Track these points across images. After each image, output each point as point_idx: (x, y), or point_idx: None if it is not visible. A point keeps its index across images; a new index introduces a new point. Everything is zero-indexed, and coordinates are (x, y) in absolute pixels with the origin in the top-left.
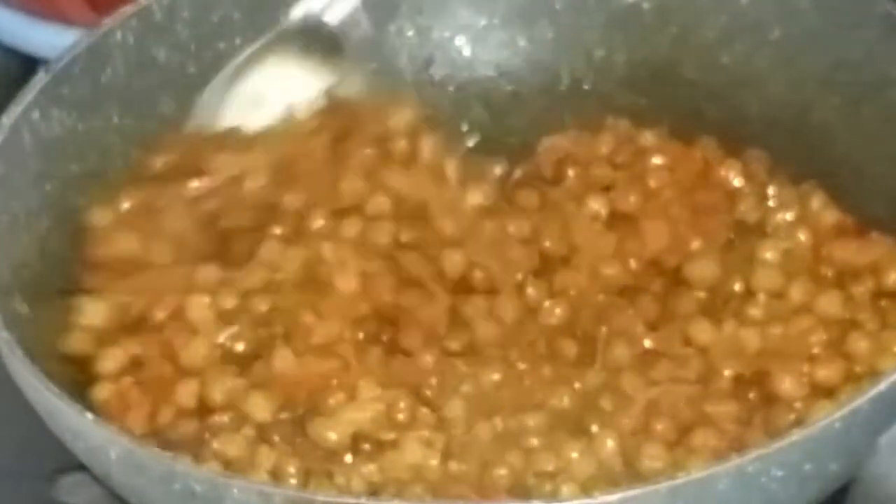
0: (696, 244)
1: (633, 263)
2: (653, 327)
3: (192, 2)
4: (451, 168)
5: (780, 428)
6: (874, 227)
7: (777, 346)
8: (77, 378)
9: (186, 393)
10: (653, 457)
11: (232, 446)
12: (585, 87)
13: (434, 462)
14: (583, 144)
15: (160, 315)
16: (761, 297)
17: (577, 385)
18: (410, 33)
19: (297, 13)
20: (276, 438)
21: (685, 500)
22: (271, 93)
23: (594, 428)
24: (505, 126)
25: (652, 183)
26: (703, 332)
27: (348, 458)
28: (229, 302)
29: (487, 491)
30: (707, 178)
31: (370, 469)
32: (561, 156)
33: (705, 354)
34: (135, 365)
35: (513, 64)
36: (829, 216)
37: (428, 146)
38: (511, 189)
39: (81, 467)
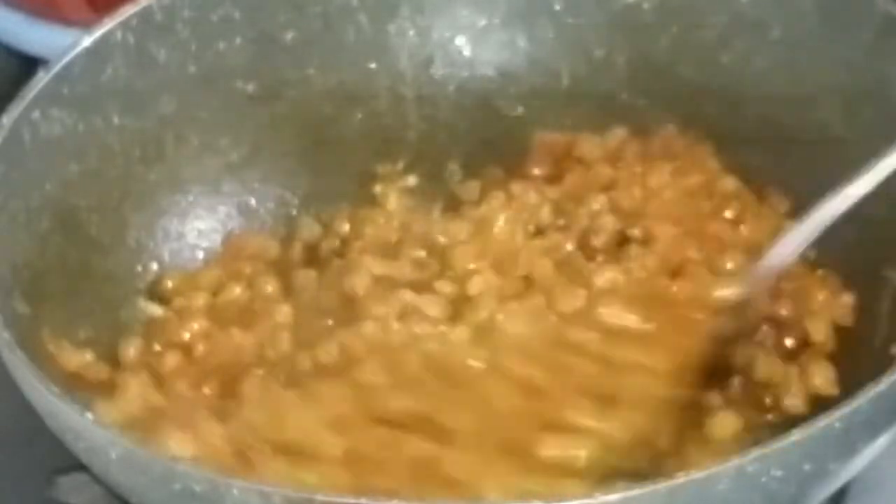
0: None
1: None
2: None
3: (192, 1)
4: None
5: None
6: (874, 227)
7: None
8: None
9: None
10: None
11: None
12: (585, 87)
13: None
14: (583, 143)
15: None
16: None
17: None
18: (411, 33)
19: None
20: None
21: (685, 500)
22: None
23: None
24: (505, 126)
25: (653, 183)
26: None
27: None
28: None
29: None
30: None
31: None
32: (557, 152)
33: None
34: None
35: (513, 64)
36: None
37: None
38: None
39: (81, 467)
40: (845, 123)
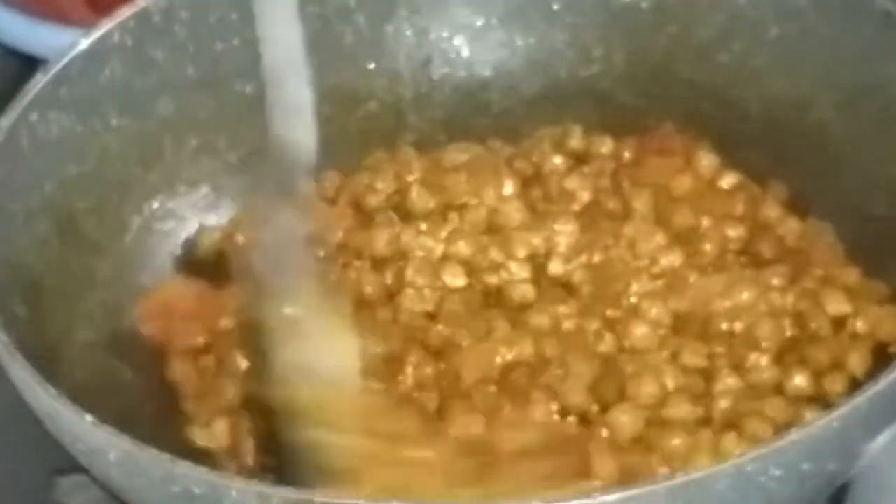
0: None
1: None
2: None
3: (190, 3)
4: None
5: None
6: (874, 227)
7: None
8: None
9: None
10: None
11: None
12: (585, 87)
13: None
14: (585, 143)
15: None
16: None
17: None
18: (409, 33)
19: None
20: None
21: (684, 500)
22: None
23: None
24: (504, 126)
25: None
26: None
27: None
28: None
29: None
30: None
31: None
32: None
33: None
34: None
35: (511, 64)
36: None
37: None
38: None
39: (81, 469)
40: (845, 123)
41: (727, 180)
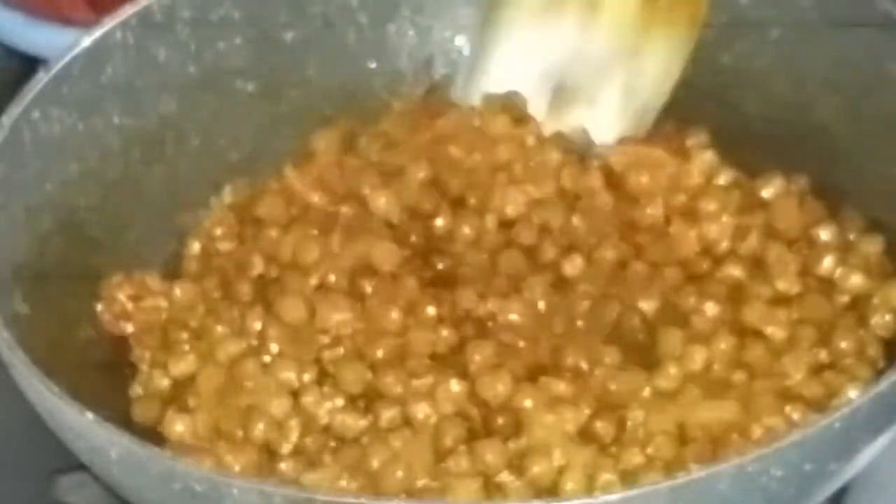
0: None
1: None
2: None
3: (192, 2)
4: None
5: None
6: (874, 227)
7: None
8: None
9: None
10: None
11: None
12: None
13: None
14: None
15: None
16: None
17: None
18: (411, 33)
19: None
20: None
21: (685, 500)
22: None
23: None
24: None
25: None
26: None
27: None
28: None
29: None
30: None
31: None
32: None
33: None
34: None
35: None
36: None
37: None
38: None
39: (81, 467)
40: (845, 123)
41: (725, 178)
